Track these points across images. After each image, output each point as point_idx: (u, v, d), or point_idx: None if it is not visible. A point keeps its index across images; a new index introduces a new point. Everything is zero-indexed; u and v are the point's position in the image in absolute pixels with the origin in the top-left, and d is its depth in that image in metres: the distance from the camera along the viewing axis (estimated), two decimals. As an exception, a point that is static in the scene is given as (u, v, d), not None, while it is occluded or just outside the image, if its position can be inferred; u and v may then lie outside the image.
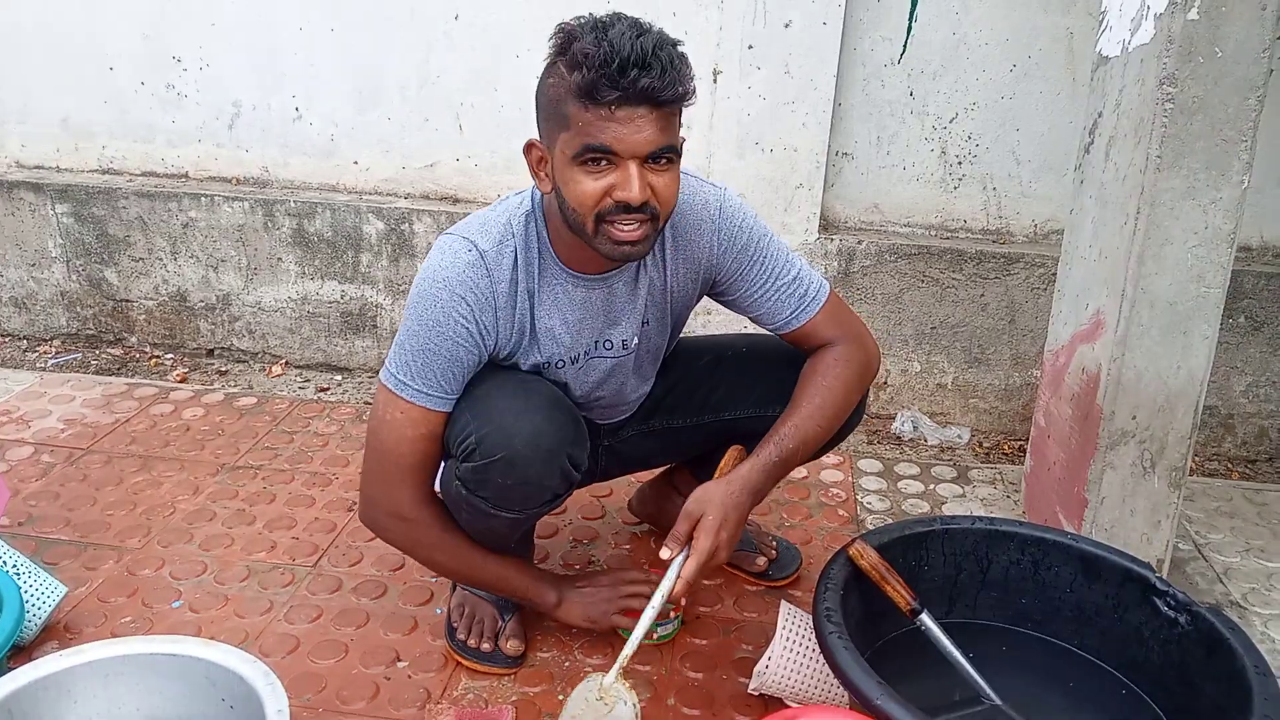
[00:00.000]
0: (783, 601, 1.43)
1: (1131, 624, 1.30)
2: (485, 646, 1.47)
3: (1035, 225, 2.40)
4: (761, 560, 1.69)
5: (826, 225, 2.43)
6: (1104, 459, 1.54)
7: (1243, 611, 1.66)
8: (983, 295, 2.34)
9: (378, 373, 2.67)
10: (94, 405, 2.32)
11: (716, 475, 1.33)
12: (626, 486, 1.90)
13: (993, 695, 1.26)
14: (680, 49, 1.14)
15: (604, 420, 1.53)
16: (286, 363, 2.69)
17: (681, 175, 1.34)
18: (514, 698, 1.42)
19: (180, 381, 2.55)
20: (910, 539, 1.38)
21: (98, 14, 2.55)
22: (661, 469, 1.76)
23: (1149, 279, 1.42)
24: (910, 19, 2.26)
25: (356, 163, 2.60)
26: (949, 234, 2.44)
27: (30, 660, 1.23)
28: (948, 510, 1.98)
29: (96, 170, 2.73)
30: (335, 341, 2.65)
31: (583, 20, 1.14)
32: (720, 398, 1.52)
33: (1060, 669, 1.35)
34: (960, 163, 2.38)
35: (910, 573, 1.36)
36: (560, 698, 1.42)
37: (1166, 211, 1.38)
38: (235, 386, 2.54)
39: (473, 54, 2.42)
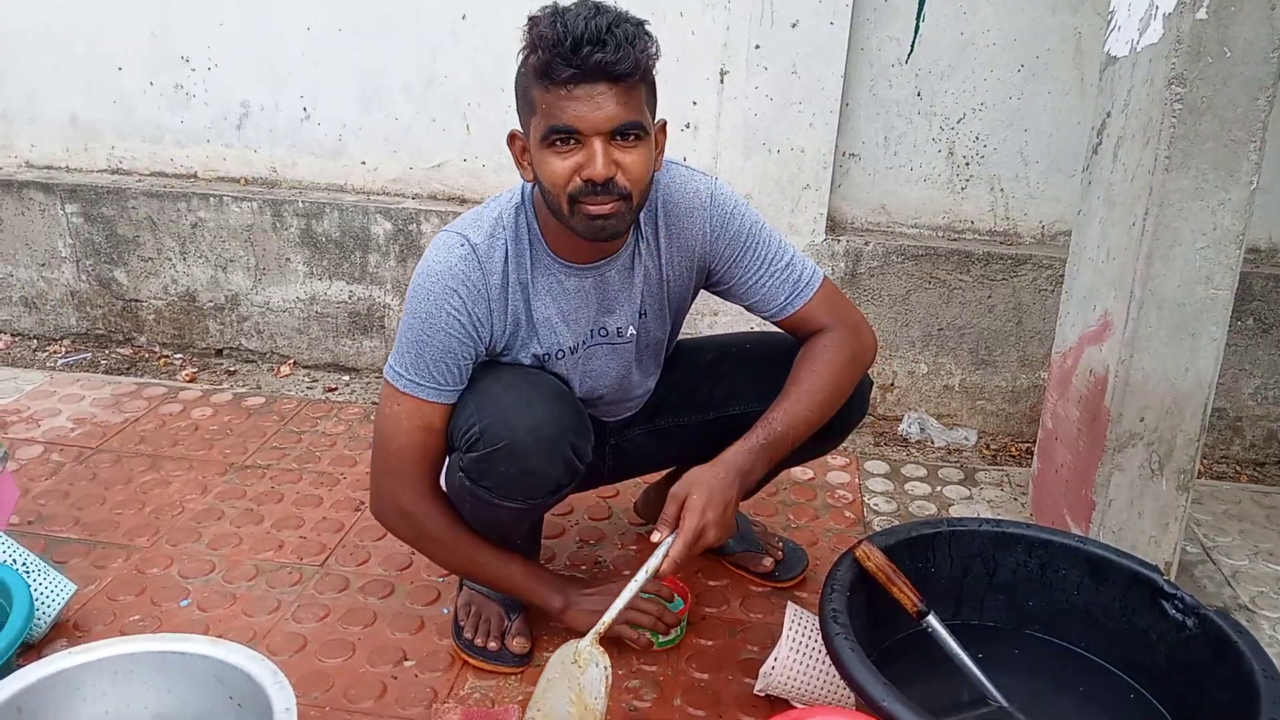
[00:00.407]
0: (789, 603, 1.43)
1: (1139, 627, 1.29)
2: (492, 645, 1.48)
3: (1043, 226, 2.40)
4: (768, 561, 1.69)
5: (833, 226, 2.43)
6: (1112, 461, 1.54)
7: (1251, 615, 1.65)
8: (990, 297, 2.34)
9: (385, 372, 2.68)
10: (103, 405, 2.33)
11: None
12: (633, 488, 1.90)
13: (999, 697, 1.26)
14: (640, 26, 1.15)
15: (610, 418, 1.54)
16: (295, 363, 2.70)
17: (672, 165, 1.37)
18: (520, 697, 1.42)
19: (189, 381, 2.56)
20: (917, 540, 1.37)
21: (105, 14, 2.57)
22: (668, 471, 1.76)
23: (1157, 280, 1.42)
24: (918, 19, 2.26)
25: (364, 163, 2.60)
26: (956, 235, 2.43)
27: (39, 658, 1.23)
28: (955, 512, 1.97)
29: (105, 170, 2.75)
30: (343, 342, 2.66)
31: (548, 7, 1.16)
32: (724, 394, 1.53)
33: (1067, 671, 1.35)
34: (968, 163, 2.37)
35: (917, 574, 1.35)
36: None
37: (1175, 212, 1.38)
38: (244, 386, 2.55)
39: (480, 55, 2.43)
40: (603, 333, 1.38)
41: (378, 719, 1.38)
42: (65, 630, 1.54)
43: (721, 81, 2.30)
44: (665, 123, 1.26)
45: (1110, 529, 1.56)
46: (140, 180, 2.69)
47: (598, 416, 1.52)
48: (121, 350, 2.77)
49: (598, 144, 1.15)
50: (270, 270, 2.63)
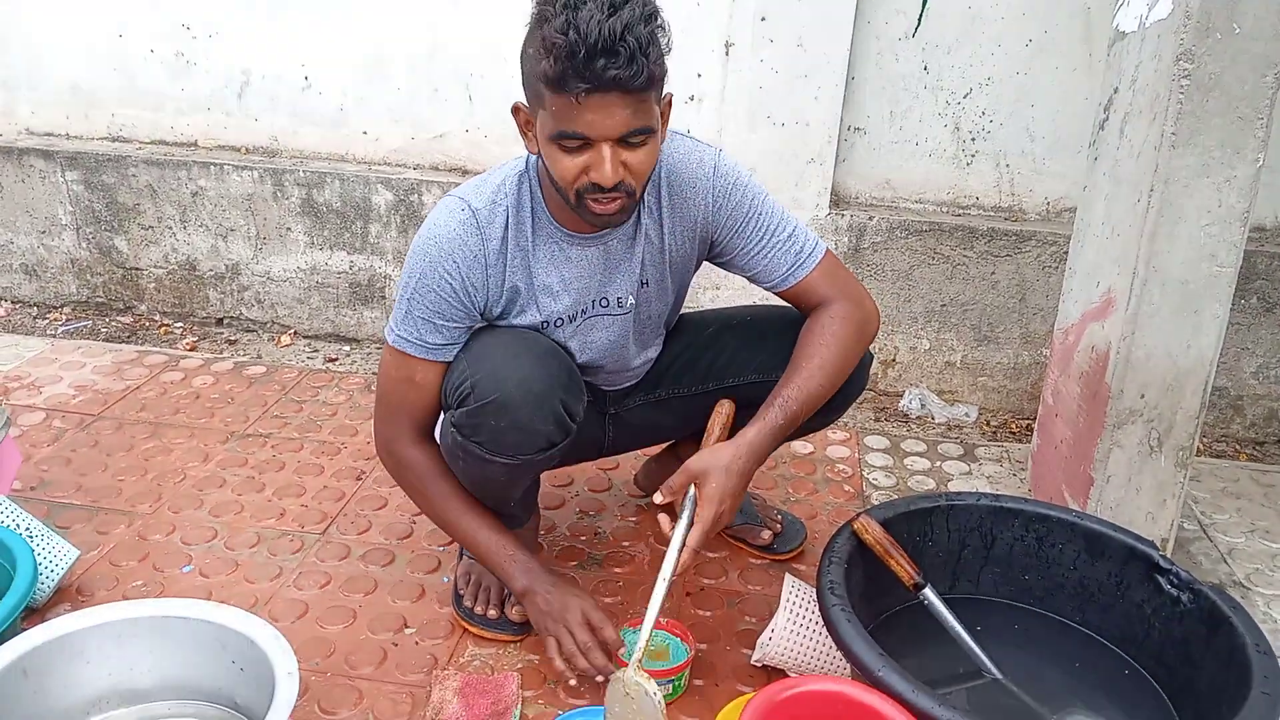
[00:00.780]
0: (786, 575, 1.44)
1: (1134, 601, 1.30)
2: (491, 614, 1.49)
3: (1048, 203, 2.38)
4: (766, 534, 1.70)
5: (837, 201, 2.42)
6: (1111, 438, 1.54)
7: (1245, 591, 1.66)
8: (993, 273, 2.33)
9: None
10: (104, 372, 2.34)
11: (708, 429, 1.35)
12: (633, 461, 1.91)
13: (994, 669, 1.27)
14: (653, 27, 1.12)
15: (610, 387, 1.54)
16: (295, 333, 2.70)
17: (676, 136, 1.37)
18: (519, 664, 1.44)
19: (190, 350, 2.56)
20: (915, 514, 1.38)
21: (107, -21, 2.54)
22: (668, 444, 1.76)
23: (1161, 257, 1.41)
24: (925, -8, 2.23)
25: (366, 133, 2.59)
26: (961, 211, 2.42)
27: (43, 621, 1.25)
28: (953, 488, 1.98)
29: (106, 138, 2.73)
30: (344, 312, 2.66)
31: None
32: (723, 364, 1.53)
33: (1062, 645, 1.36)
34: (973, 139, 2.36)
35: (915, 548, 1.37)
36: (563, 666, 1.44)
37: (1180, 189, 1.37)
38: (244, 356, 2.55)
39: (482, 24, 2.40)
40: (603, 303, 1.39)
41: (378, 684, 1.39)
42: (68, 595, 1.55)
43: (727, 54, 2.28)
44: (671, 97, 1.25)
45: (1108, 505, 1.57)
46: (141, 148, 2.67)
47: (598, 385, 1.53)
48: (122, 318, 2.77)
49: (606, 149, 1.15)
50: (271, 240, 2.62)
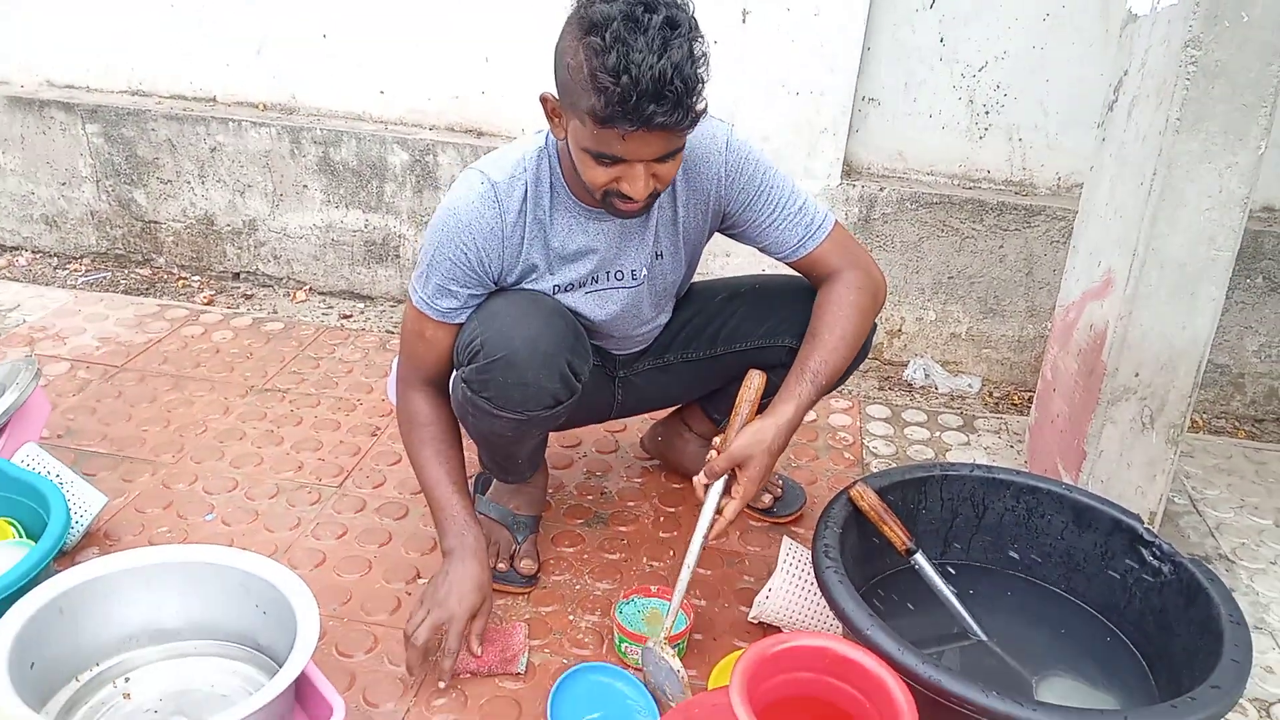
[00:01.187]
0: (784, 537, 1.50)
1: (1117, 571, 1.36)
2: (501, 566, 1.56)
3: (1059, 178, 2.39)
4: (767, 498, 1.76)
5: (849, 171, 2.43)
6: (1105, 414, 1.58)
7: (1230, 564, 1.72)
8: (1002, 246, 2.35)
9: (400, 302, 2.74)
10: (127, 324, 2.39)
11: (737, 402, 1.38)
12: (640, 424, 1.96)
13: (979, 632, 1.33)
14: (699, 66, 1.14)
15: (619, 351, 1.59)
16: (310, 289, 2.74)
17: None
18: (527, 615, 1.51)
19: (207, 304, 2.62)
20: (910, 483, 1.43)
21: (128, -67, 2.55)
22: (674, 408, 1.81)
23: (1161, 240, 1.44)
24: (943, -37, 2.23)
25: (383, 92, 2.60)
26: (972, 184, 2.43)
27: (74, 564, 1.31)
28: (951, 458, 2.03)
29: (126, 91, 2.76)
30: (358, 270, 2.70)
31: (611, 21, 1.11)
32: (731, 330, 1.58)
33: (1047, 610, 1.42)
34: (987, 112, 2.36)
35: (909, 515, 1.42)
36: (570, 618, 1.51)
37: (1182, 174, 1.40)
38: (261, 310, 2.60)
39: (501, -15, 2.41)
40: (618, 274, 1.43)
41: (392, 630, 1.46)
42: (96, 539, 1.62)
43: (743, 22, 2.28)
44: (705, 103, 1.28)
45: (1100, 479, 1.62)
46: (160, 102, 2.70)
47: (608, 350, 1.57)
48: (140, 270, 2.81)
49: (640, 167, 1.20)
50: (288, 196, 2.65)
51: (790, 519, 1.77)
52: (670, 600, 1.36)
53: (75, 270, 2.79)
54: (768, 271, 1.68)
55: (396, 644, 1.43)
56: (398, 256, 2.66)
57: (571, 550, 1.66)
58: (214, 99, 2.72)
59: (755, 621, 1.50)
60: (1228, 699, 1.05)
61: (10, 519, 1.47)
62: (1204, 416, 2.40)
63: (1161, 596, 1.29)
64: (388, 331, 2.50)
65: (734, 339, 1.57)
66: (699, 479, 1.34)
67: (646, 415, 1.87)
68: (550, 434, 1.60)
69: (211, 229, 2.74)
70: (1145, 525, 1.33)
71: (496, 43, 2.47)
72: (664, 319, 1.58)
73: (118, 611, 1.30)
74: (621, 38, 1.09)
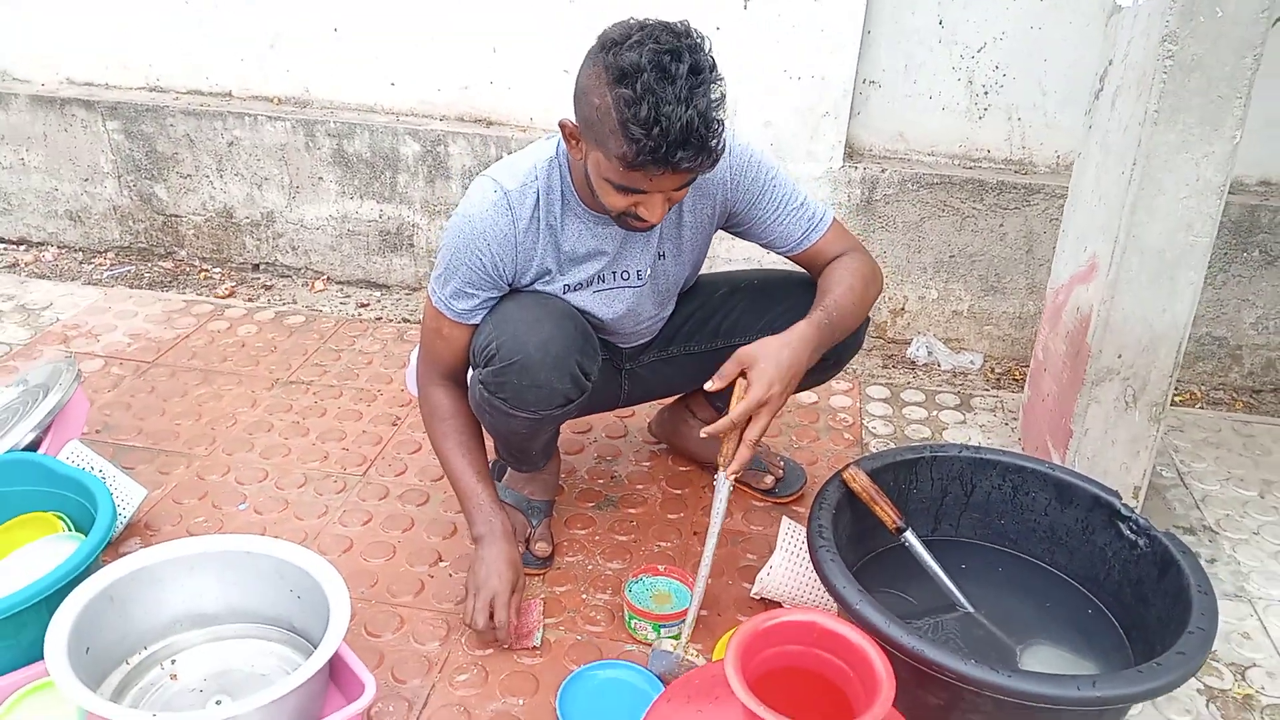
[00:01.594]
0: (784, 518, 1.59)
1: (1097, 545, 1.43)
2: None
3: (1058, 156, 2.42)
4: (769, 479, 1.84)
5: (851, 154, 2.47)
6: (1090, 394, 1.65)
7: (1214, 535, 1.79)
8: (1002, 225, 2.39)
9: (415, 290, 2.81)
10: (155, 321, 2.48)
11: (737, 388, 1.40)
12: (648, 410, 2.03)
13: (966, 604, 1.41)
14: (718, 110, 1.21)
15: (625, 344, 1.67)
16: (328, 279, 2.82)
17: None
18: (541, 594, 1.60)
19: (229, 295, 2.70)
20: (902, 465, 1.50)
21: (141, -65, 2.60)
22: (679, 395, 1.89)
23: (1140, 227, 1.50)
24: (942, -54, 2.25)
25: (393, 84, 2.65)
26: (972, 164, 2.47)
27: (116, 554, 1.41)
28: (948, 436, 2.10)
29: (144, 88, 2.82)
30: (374, 259, 2.78)
31: (634, 41, 1.18)
32: (732, 324, 1.65)
33: (1032, 583, 1.49)
34: (986, 92, 2.39)
35: (901, 495, 1.50)
36: (583, 597, 1.60)
37: (1161, 164, 1.45)
38: (281, 301, 2.69)
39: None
40: (623, 275, 1.51)
41: (417, 611, 1.56)
42: (137, 529, 1.72)
43: (745, 8, 2.31)
44: None
45: (1085, 455, 1.69)
46: (178, 98, 2.76)
47: (615, 343, 1.65)
48: (163, 264, 2.89)
49: (659, 198, 1.28)
50: (304, 189, 2.73)
51: (791, 499, 1.85)
52: (685, 583, 1.44)
53: (100, 264, 2.87)
54: (766, 265, 1.74)
55: (422, 624, 1.53)
56: (412, 245, 2.73)
57: (584, 532, 1.75)
58: (229, 94, 2.78)
59: (757, 597, 1.59)
60: (1191, 664, 1.13)
61: (59, 513, 1.57)
62: (1202, 388, 2.45)
63: (1138, 568, 1.36)
64: (404, 321, 2.58)
65: (734, 332, 1.64)
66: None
67: (653, 403, 1.95)
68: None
69: (231, 222, 2.82)
70: (1122, 501, 1.40)
71: (503, 34, 2.51)
72: (667, 313, 1.65)
73: (163, 598, 1.39)
74: (651, 88, 1.16)
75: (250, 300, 2.68)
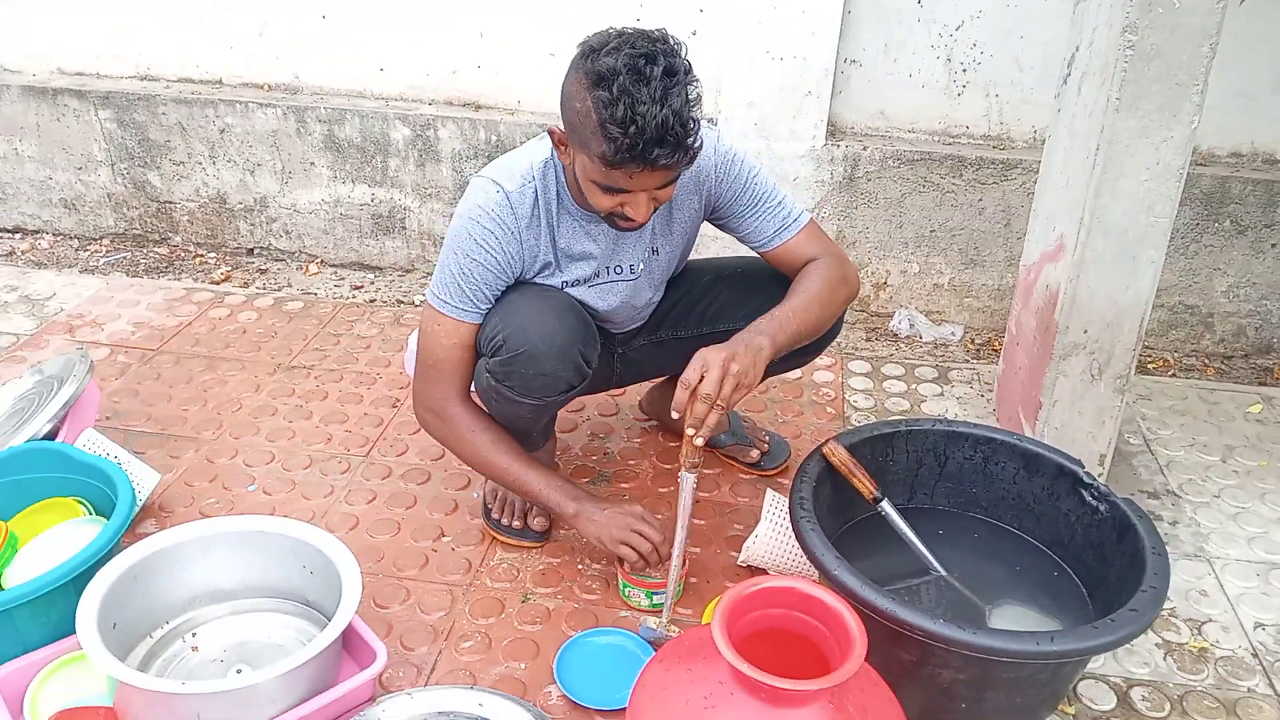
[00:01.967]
0: (768, 489, 1.67)
1: (1061, 510, 1.52)
2: (516, 524, 1.73)
3: (1035, 131, 2.47)
4: (755, 453, 1.93)
5: (833, 132, 2.52)
6: (1058, 367, 1.73)
7: (1177, 499, 1.88)
8: (981, 200, 2.45)
9: (407, 272, 2.85)
10: (158, 309, 2.54)
11: None
12: (638, 389, 2.10)
13: (939, 568, 1.50)
14: (694, 109, 1.27)
15: (618, 330, 1.74)
16: (322, 261, 2.87)
17: None
18: (541, 566, 1.69)
19: (224, 280, 2.75)
20: (879, 439, 1.59)
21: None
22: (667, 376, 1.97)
23: (1104, 209, 1.57)
24: (919, -74, 2.28)
25: (383, 70, 2.69)
26: (951, 140, 2.52)
27: (133, 535, 1.48)
28: (926, 408, 2.18)
29: (134, 76, 2.84)
30: (367, 242, 2.83)
31: (611, 48, 1.24)
32: (715, 311, 1.73)
33: (1002, 547, 1.58)
34: (964, 70, 2.44)
35: (878, 466, 1.58)
36: (579, 567, 1.68)
37: (1123, 149, 1.52)
38: (276, 285, 2.74)
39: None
40: (618, 270, 1.59)
41: (422, 584, 1.65)
42: (152, 511, 1.79)
43: (727, -11, 2.35)
44: None
45: (1054, 426, 1.77)
46: (169, 87, 2.79)
47: (608, 329, 1.72)
48: (158, 249, 2.93)
49: (643, 196, 1.34)
50: (296, 174, 2.77)
51: (776, 471, 1.93)
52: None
53: (96, 251, 2.91)
54: (745, 253, 1.81)
55: (428, 595, 1.61)
56: (403, 228, 2.78)
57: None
58: (220, 81, 2.81)
59: (743, 565, 1.68)
60: (1143, 620, 1.22)
61: (80, 498, 1.65)
62: (1175, 355, 2.53)
63: (1099, 532, 1.45)
64: (399, 303, 2.65)
65: (719, 319, 1.71)
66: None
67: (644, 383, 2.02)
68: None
69: (224, 207, 2.86)
70: (1084, 469, 1.49)
71: (490, 19, 2.55)
72: (658, 298, 1.73)
73: (183, 576, 1.47)
74: (627, 89, 1.23)
75: (245, 285, 2.73)
